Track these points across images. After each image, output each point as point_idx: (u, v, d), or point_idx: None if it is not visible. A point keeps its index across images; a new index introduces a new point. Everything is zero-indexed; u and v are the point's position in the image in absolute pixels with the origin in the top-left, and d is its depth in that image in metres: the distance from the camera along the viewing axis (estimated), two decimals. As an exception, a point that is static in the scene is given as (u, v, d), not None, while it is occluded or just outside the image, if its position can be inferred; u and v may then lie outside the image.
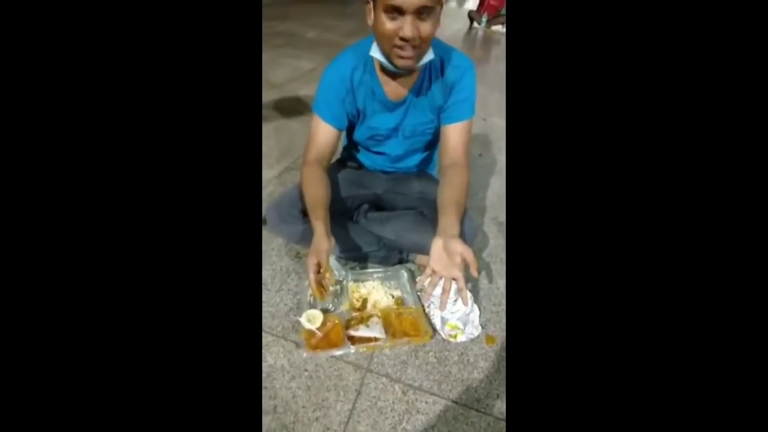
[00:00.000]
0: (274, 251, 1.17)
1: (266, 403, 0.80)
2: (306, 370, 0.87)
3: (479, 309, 1.02)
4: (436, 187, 0.95)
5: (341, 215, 1.09)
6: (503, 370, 0.90)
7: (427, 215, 1.06)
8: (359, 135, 1.05)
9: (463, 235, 0.85)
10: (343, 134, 1.06)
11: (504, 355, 0.94)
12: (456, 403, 0.84)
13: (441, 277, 0.80)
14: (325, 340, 0.90)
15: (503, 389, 0.86)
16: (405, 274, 1.09)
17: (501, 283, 1.14)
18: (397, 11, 0.75)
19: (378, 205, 1.16)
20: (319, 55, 3.23)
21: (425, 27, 0.77)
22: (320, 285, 0.86)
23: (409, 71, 0.88)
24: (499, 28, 5.22)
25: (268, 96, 2.32)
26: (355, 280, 1.07)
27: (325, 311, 0.95)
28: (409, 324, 0.95)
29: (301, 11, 5.19)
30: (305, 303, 0.99)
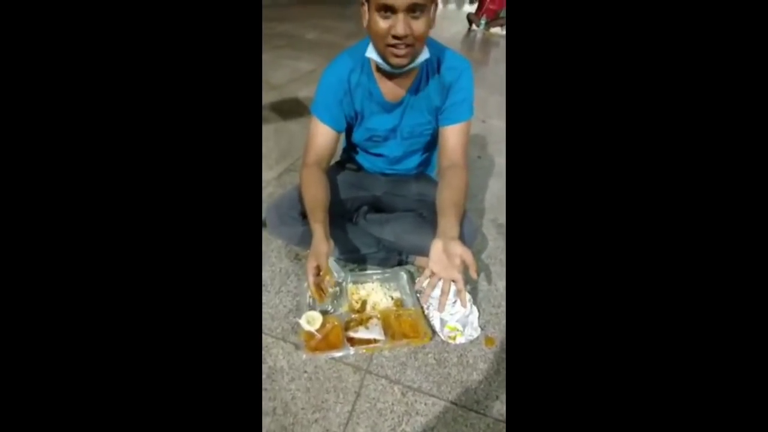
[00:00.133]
0: (274, 253, 1.17)
1: (266, 405, 0.80)
2: (305, 371, 0.87)
3: (478, 311, 1.02)
4: (435, 189, 0.96)
5: (341, 217, 1.09)
6: (502, 372, 0.90)
7: (427, 217, 1.06)
8: (358, 136, 1.05)
9: (462, 237, 0.85)
10: (342, 136, 1.06)
11: (503, 356, 0.94)
12: (455, 404, 0.84)
13: (440, 279, 0.80)
14: (325, 342, 0.90)
15: (502, 391, 0.86)
16: (404, 276, 1.09)
17: (500, 284, 1.14)
18: (389, 10, 0.75)
19: (377, 207, 1.16)
20: (318, 56, 3.23)
21: (418, 25, 0.77)
22: (319, 288, 0.86)
23: (405, 72, 0.88)
24: (498, 31, 5.23)
25: (267, 97, 2.32)
26: (355, 282, 1.07)
27: (324, 313, 0.95)
28: (408, 326, 0.95)
29: (301, 13, 5.20)
30: (305, 305, 0.99)
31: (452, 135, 0.97)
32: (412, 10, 0.75)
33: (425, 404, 0.83)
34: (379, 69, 0.92)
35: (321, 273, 0.84)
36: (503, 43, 4.68)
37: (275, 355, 0.89)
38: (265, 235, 1.16)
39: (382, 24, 0.77)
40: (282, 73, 2.80)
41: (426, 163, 1.17)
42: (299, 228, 1.03)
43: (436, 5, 0.81)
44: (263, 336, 0.93)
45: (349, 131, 1.06)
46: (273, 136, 1.89)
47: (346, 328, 0.93)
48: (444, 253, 0.79)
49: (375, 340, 0.90)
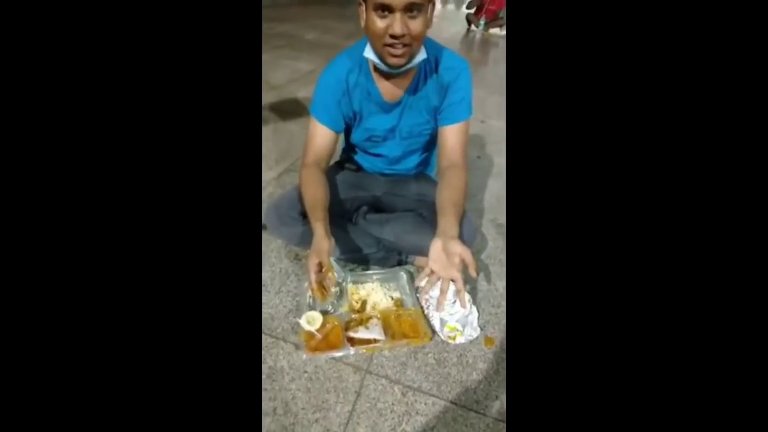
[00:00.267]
0: (274, 253, 1.17)
1: (266, 405, 0.80)
2: (306, 371, 0.87)
3: (478, 311, 1.02)
4: (434, 189, 0.96)
5: (340, 217, 1.09)
6: (502, 372, 0.90)
7: (426, 217, 1.07)
8: (356, 137, 1.06)
9: (462, 237, 0.85)
10: (342, 136, 1.06)
11: (503, 356, 0.94)
12: (455, 404, 0.84)
13: (439, 278, 0.80)
14: (325, 342, 0.90)
15: (502, 390, 0.87)
16: (404, 276, 1.09)
17: (500, 284, 1.15)
18: (386, 9, 0.76)
19: (377, 207, 1.17)
20: (318, 56, 3.24)
21: (415, 24, 0.77)
22: (321, 286, 0.86)
23: (403, 71, 0.88)
24: (497, 31, 5.24)
25: (266, 97, 2.32)
26: (355, 282, 1.07)
27: (324, 313, 0.95)
28: (408, 325, 0.96)
29: (301, 13, 5.20)
30: (305, 305, 0.99)
31: (451, 135, 0.97)
32: (409, 9, 0.75)
33: (425, 404, 0.83)
34: (377, 69, 0.92)
35: (323, 270, 0.84)
36: (502, 43, 4.69)
37: (275, 355, 0.89)
38: (265, 235, 1.16)
39: (380, 23, 0.78)
40: (281, 74, 2.80)
41: (425, 163, 1.18)
42: (299, 228, 1.03)
43: (434, 5, 0.82)
44: (264, 336, 0.93)
45: (348, 132, 1.06)
46: (272, 136, 1.89)
47: (346, 328, 0.93)
48: (443, 252, 0.79)
49: (375, 340, 0.91)
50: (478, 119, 2.26)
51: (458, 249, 0.77)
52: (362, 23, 0.83)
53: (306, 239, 0.92)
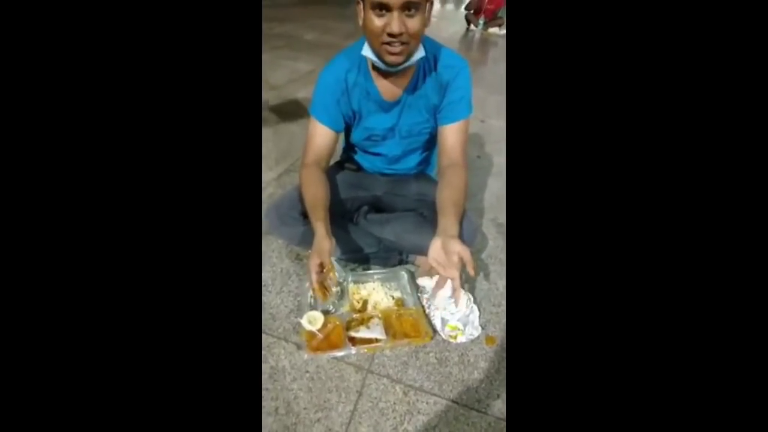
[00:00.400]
0: (274, 253, 1.18)
1: (268, 405, 0.80)
2: (307, 371, 0.87)
3: (479, 310, 1.02)
4: (435, 189, 0.96)
5: (341, 217, 1.10)
6: (503, 371, 0.90)
7: (427, 216, 1.07)
8: (356, 136, 1.06)
9: (462, 236, 0.85)
10: (341, 136, 1.06)
11: (504, 355, 0.94)
12: (457, 403, 0.84)
13: (438, 275, 0.80)
14: (326, 342, 0.90)
15: (503, 389, 0.87)
16: (405, 276, 1.09)
17: (500, 283, 1.15)
18: (384, 8, 0.76)
19: (377, 206, 1.17)
20: (317, 56, 3.24)
21: (413, 23, 0.78)
22: (322, 285, 0.86)
23: (401, 70, 0.88)
24: (496, 31, 5.24)
25: (266, 98, 2.32)
26: (356, 282, 1.07)
27: (325, 313, 0.95)
28: (409, 325, 0.96)
29: (300, 13, 5.20)
30: (306, 305, 0.99)
31: (451, 134, 0.97)
32: (406, 7, 0.76)
33: (427, 403, 0.83)
34: (375, 68, 0.92)
35: (325, 270, 0.85)
36: (502, 42, 4.69)
37: (277, 355, 0.90)
38: (266, 235, 1.16)
39: (377, 22, 0.78)
40: (281, 74, 2.80)
41: (425, 163, 1.18)
42: (300, 228, 1.04)
43: (432, 4, 0.82)
44: (264, 336, 0.93)
45: (347, 131, 1.07)
46: (272, 136, 1.89)
47: (348, 327, 0.93)
48: (443, 251, 0.79)
49: (376, 340, 0.91)
50: (478, 119, 2.26)
51: (457, 248, 0.78)
52: (360, 21, 0.83)
53: (307, 239, 0.93)
